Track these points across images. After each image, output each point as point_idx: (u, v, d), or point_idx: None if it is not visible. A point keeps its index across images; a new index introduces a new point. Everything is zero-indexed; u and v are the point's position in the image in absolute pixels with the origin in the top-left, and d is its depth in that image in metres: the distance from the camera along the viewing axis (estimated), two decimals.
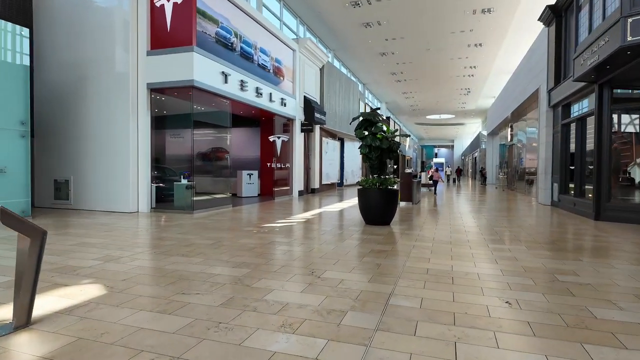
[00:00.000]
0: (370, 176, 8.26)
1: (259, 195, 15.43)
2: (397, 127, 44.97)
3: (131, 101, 9.71)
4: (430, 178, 20.79)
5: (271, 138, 14.57)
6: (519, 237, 6.67)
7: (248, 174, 14.95)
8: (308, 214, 9.81)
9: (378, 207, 7.72)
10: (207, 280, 3.88)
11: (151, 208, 10.07)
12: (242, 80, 11.48)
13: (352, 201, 13.84)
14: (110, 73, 9.97)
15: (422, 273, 4.24)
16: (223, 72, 10.56)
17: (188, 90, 9.67)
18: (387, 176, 7.90)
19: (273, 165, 14.56)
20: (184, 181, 10.16)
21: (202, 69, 9.77)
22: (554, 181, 12.49)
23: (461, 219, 9.08)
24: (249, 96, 11.90)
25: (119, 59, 9.83)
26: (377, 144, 7.69)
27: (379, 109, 8.03)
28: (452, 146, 71.99)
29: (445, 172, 32.63)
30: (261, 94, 12.60)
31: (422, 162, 51.86)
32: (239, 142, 16.65)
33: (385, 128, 7.97)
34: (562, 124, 11.85)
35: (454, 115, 45.72)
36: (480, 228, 7.63)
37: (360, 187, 8.07)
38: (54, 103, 10.61)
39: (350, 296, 3.44)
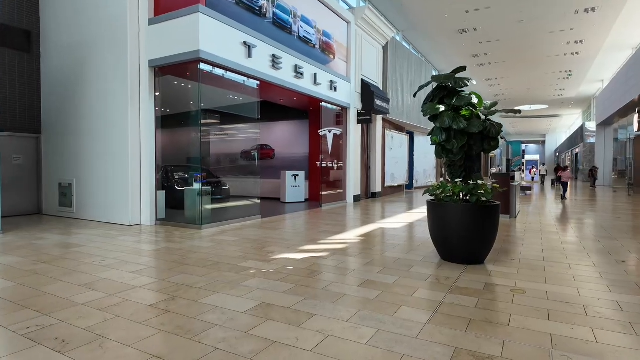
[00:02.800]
0: (447, 179, 5.11)
1: (306, 200, 12.78)
2: None
3: (130, 84, 7.61)
4: (558, 179, 16.41)
5: (321, 132, 11.84)
6: None
7: (293, 176, 12.38)
8: (356, 234, 6.86)
9: (464, 234, 4.54)
10: None
11: (156, 219, 7.89)
12: (273, 55, 8.88)
13: (423, 210, 10.55)
14: (108, 52, 7.99)
15: None
16: (245, 43, 8.04)
17: (195, 65, 7.29)
18: (479, 181, 4.67)
19: (322, 164, 11.80)
20: (197, 185, 7.82)
21: (214, 37, 7.33)
22: None
23: (627, 251, 5.48)
24: (284, 76, 9.27)
25: (116, 31, 7.79)
26: (462, 126, 4.52)
27: (464, 68, 4.79)
28: (544, 142, 63.23)
29: (540, 171, 27.25)
30: (302, 74, 9.90)
31: (508, 160, 45.45)
32: (283, 138, 14.18)
33: (475, 99, 4.75)
34: None
35: (547, 106, 39.15)
36: None
37: (432, 198, 4.96)
38: (59, 94, 8.98)
39: None
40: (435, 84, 4.99)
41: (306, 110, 13.11)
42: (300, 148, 13.67)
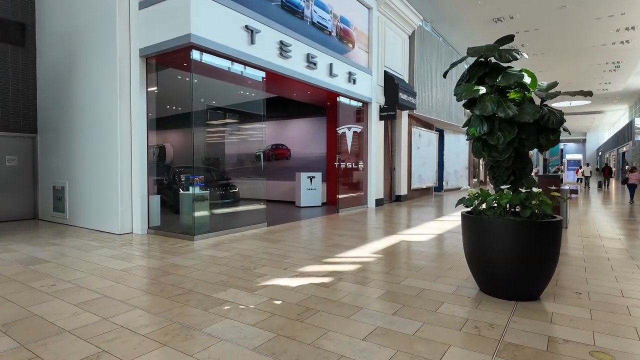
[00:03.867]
0: (489, 186, 3.88)
1: (323, 204, 11.70)
2: None
3: (119, 76, 6.79)
4: (625, 181, 14.50)
5: (340, 130, 10.73)
6: None
7: (308, 177, 11.34)
8: (373, 249, 5.73)
9: (513, 260, 3.34)
10: None
11: (148, 228, 7.03)
12: (281, 42, 7.86)
13: (455, 218, 9.24)
14: (97, 42, 7.22)
15: None
16: (247, 27, 7.05)
17: (187, 52, 6.36)
18: (534, 188, 3.43)
19: (339, 164, 10.69)
20: (194, 189, 6.90)
21: (209, 19, 6.38)
22: None
23: None
24: (293, 66, 8.23)
25: (105, 17, 7.00)
26: (511, 113, 3.31)
27: (511, 38, 3.54)
28: (584, 140, 59.34)
29: (583, 172, 24.94)
30: (315, 64, 8.83)
31: (545, 160, 42.58)
32: (300, 136, 13.16)
33: (528, 78, 3.51)
34: None
35: (589, 101, 36.30)
36: None
37: (467, 212, 3.77)
38: (54, 90, 8.32)
39: None
40: (471, 60, 3.80)
41: (323, 106, 12.03)
42: (318, 147, 12.61)
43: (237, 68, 7.27)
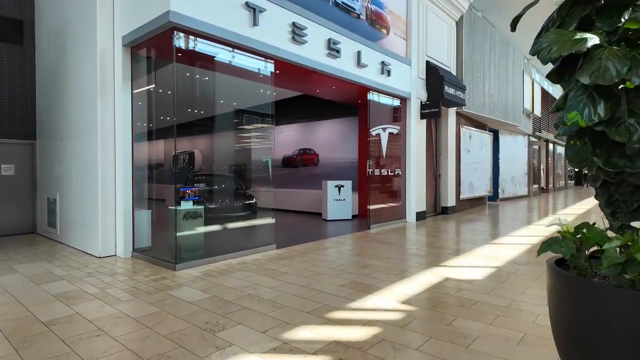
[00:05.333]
0: (606, 218, 2.21)
1: (354, 217, 10.13)
2: None
3: (100, 70, 5.73)
4: None
5: (373, 131, 9.15)
6: None
7: (336, 186, 9.83)
8: (405, 293, 4.12)
9: None
10: None
11: (133, 250, 5.88)
12: (294, 24, 6.46)
13: (518, 239, 7.31)
14: (80, 32, 6.25)
15: None
16: (248, 5, 5.72)
17: (170, 35, 5.13)
18: None
19: (372, 171, 9.09)
20: (185, 204, 5.65)
21: None
22: None
23: None
24: (309, 53, 6.79)
25: (86, 2, 6.00)
26: None
27: None
28: None
29: None
30: (338, 52, 7.34)
31: None
32: (329, 140, 11.69)
33: None
34: None
35: None
36: None
37: (558, 261, 2.08)
38: (49, 91, 7.54)
39: None
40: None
41: (354, 104, 10.49)
42: (349, 152, 11.07)
43: (239, 57, 5.96)
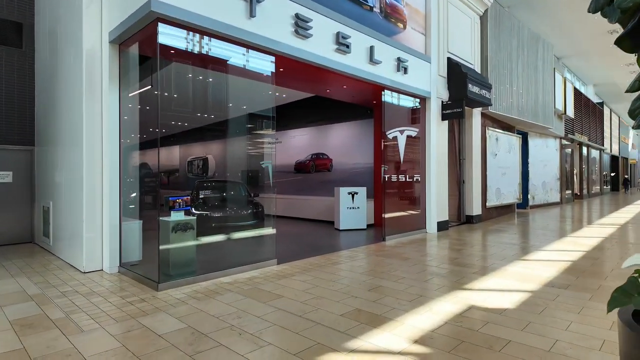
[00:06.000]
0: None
1: (369, 227, 9.40)
2: (612, 123, 31.64)
3: (85, 68, 5.29)
4: None
5: (390, 133, 8.44)
6: None
7: (349, 193, 9.14)
8: (419, 327, 3.41)
9: None
10: None
11: (120, 265, 5.37)
12: (297, 16, 5.86)
13: (558, 255, 6.41)
14: (68, 30, 5.86)
15: None
16: None
17: (154, 28, 4.61)
18: None
19: (389, 177, 8.36)
20: (175, 215, 5.10)
21: None
22: None
23: None
24: (315, 48, 6.17)
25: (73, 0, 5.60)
26: None
27: None
28: None
29: None
30: (347, 47, 6.69)
31: None
32: (343, 144, 11.02)
33: None
34: None
35: None
36: None
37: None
38: (46, 94, 7.22)
39: None
40: None
41: (369, 105, 9.80)
42: (364, 156, 10.36)
43: (235, 53, 5.40)
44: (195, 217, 5.24)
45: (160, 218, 5.21)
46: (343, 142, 10.96)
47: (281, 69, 6.44)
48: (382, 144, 8.21)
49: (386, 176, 8.26)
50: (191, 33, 4.87)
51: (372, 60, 7.19)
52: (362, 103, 9.69)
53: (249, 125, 9.09)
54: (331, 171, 11.09)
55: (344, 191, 9.09)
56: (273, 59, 5.70)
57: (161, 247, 5.11)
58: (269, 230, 5.90)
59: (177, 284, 4.60)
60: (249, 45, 5.36)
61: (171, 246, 4.95)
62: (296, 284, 4.64)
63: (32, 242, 7.78)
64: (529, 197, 15.23)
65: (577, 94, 20.19)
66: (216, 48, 5.19)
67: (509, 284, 4.66)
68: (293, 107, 11.42)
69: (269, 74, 5.77)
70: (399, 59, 7.86)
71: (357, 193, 9.19)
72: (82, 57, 5.28)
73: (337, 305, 3.89)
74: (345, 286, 4.56)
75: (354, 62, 6.88)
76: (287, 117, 12.01)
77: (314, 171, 11.50)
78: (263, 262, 5.54)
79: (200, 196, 8.99)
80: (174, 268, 4.99)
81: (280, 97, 10.33)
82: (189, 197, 5.33)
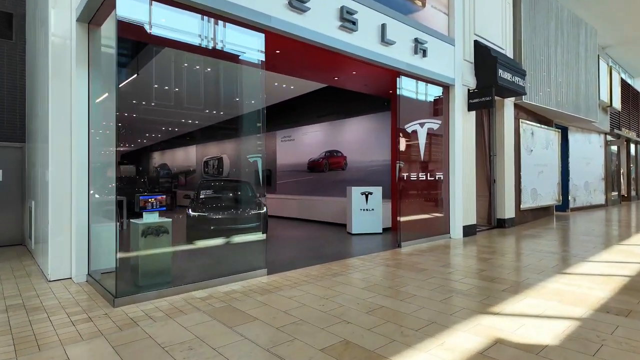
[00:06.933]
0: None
1: (384, 230, 8.45)
2: None
3: (51, 53, 4.71)
4: None
5: (409, 127, 7.50)
6: None
7: (363, 194, 8.24)
8: None
9: None
10: None
11: (88, 274, 4.74)
12: None
13: (609, 268, 5.27)
14: (40, 12, 5.31)
15: None
16: None
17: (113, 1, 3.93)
18: None
19: (407, 175, 7.41)
20: (148, 216, 4.41)
21: None
22: None
23: None
24: (313, 24, 5.33)
25: None
26: None
27: None
28: None
29: None
30: (354, 24, 5.81)
31: None
32: (357, 139, 10.12)
33: None
34: None
35: None
36: None
37: None
38: (31, 84, 6.76)
39: None
40: None
41: (386, 96, 8.86)
42: (381, 152, 9.43)
43: (214, 29, 4.66)
44: (170, 220, 4.53)
45: (131, 220, 4.54)
46: (358, 138, 10.06)
47: (277, 51, 5.66)
48: (398, 137, 7.25)
49: (404, 175, 7.31)
50: (160, 5, 4.16)
51: (384, 40, 6.28)
52: (378, 93, 8.77)
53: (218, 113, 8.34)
54: (345, 170, 10.21)
55: (356, 191, 8.20)
56: (263, 37, 4.91)
57: (127, 254, 4.44)
58: (258, 236, 5.11)
59: (139, 298, 3.88)
60: (231, 19, 4.60)
61: (139, 253, 4.26)
62: (280, 302, 3.82)
63: (23, 244, 7.37)
64: (569, 198, 13.75)
65: (625, 85, 18.33)
66: (193, 25, 4.47)
67: (548, 306, 3.65)
68: (303, 101, 10.64)
69: (259, 57, 4.99)
70: (416, 40, 6.91)
71: (371, 193, 8.26)
72: (49, 39, 4.69)
73: (321, 334, 3.03)
74: (338, 306, 3.69)
75: (363, 43, 5.99)
76: (298, 111, 11.25)
77: (328, 170, 10.66)
78: (251, 273, 4.75)
79: (201, 196, 8.36)
80: (144, 278, 4.29)
81: (288, 89, 9.56)
82: (163, 197, 4.62)
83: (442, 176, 7.97)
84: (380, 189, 8.35)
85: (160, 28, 4.49)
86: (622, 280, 4.58)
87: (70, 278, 4.77)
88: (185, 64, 6.84)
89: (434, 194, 7.92)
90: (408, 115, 7.34)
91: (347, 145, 10.26)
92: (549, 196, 11.74)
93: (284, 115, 11.75)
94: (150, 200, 4.49)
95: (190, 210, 7.46)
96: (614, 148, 18.28)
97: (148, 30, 4.31)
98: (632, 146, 20.88)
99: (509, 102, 9.67)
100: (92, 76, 4.76)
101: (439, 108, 8.01)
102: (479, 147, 9.27)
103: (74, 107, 4.73)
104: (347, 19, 5.69)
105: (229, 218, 7.01)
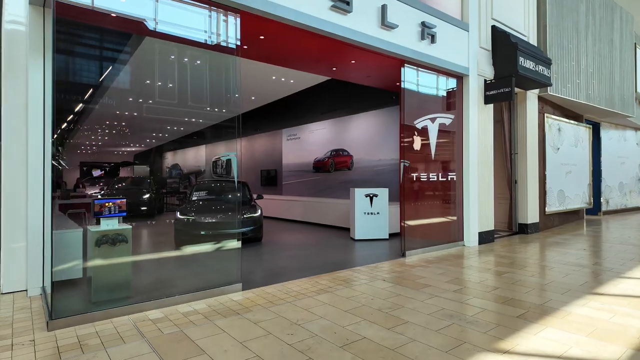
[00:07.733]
0: None
1: (391, 236, 7.71)
2: None
3: (4, 41, 4.25)
4: None
5: (419, 122, 6.76)
6: None
7: (367, 196, 7.53)
8: None
9: None
10: None
11: (43, 284, 4.25)
12: None
13: None
14: None
15: None
16: None
17: None
18: None
19: (415, 176, 6.67)
20: (106, 223, 3.88)
21: None
22: None
23: None
24: (300, 4, 4.67)
25: None
26: None
27: None
28: None
29: None
30: (348, 4, 5.12)
31: None
32: (364, 137, 9.40)
33: None
34: None
35: None
36: None
37: None
38: None
39: None
40: None
41: (394, 89, 8.11)
42: (389, 151, 8.68)
43: (178, 10, 4.09)
44: (130, 227, 3.98)
45: (89, 228, 4.02)
46: (365, 135, 9.35)
47: (261, 37, 5.04)
48: (404, 133, 6.51)
49: (413, 175, 6.58)
50: None
51: (384, 23, 5.56)
52: (384, 86, 8.04)
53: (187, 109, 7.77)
54: (352, 170, 9.51)
55: (360, 193, 7.49)
56: (237, 16, 4.29)
57: (79, 265, 3.93)
58: (231, 244, 4.49)
59: (79, 320, 3.33)
60: None
61: (93, 264, 3.74)
62: (241, 329, 3.19)
63: None
64: (601, 200, 12.56)
65: None
66: (146, 6, 3.91)
67: (574, 342, 2.87)
68: (308, 96, 10.00)
69: (232, 36, 4.37)
70: (423, 24, 6.15)
71: (376, 195, 7.54)
72: (1, 25, 4.23)
73: None
74: (309, 337, 3.02)
75: (359, 26, 5.29)
76: (303, 108, 10.62)
77: (334, 170, 9.98)
78: (222, 288, 4.15)
79: (193, 198, 7.85)
80: (97, 294, 3.77)
81: (287, 83, 8.94)
82: (124, 201, 4.07)
83: (454, 177, 7.17)
84: (386, 190, 7.62)
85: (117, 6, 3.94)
86: None
87: (26, 290, 4.30)
88: (172, 56, 6.31)
89: (446, 197, 7.13)
90: (415, 110, 6.58)
91: (354, 143, 9.55)
92: (578, 198, 10.68)
93: (290, 112, 11.16)
94: (107, 204, 3.95)
95: (178, 213, 6.97)
96: None
97: (91, 7, 3.76)
98: None
99: (532, 95, 8.73)
100: (47, 67, 4.26)
101: (452, 102, 7.22)
102: (498, 145, 8.40)
103: (29, 100, 4.26)
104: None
105: (216, 222, 6.45)
